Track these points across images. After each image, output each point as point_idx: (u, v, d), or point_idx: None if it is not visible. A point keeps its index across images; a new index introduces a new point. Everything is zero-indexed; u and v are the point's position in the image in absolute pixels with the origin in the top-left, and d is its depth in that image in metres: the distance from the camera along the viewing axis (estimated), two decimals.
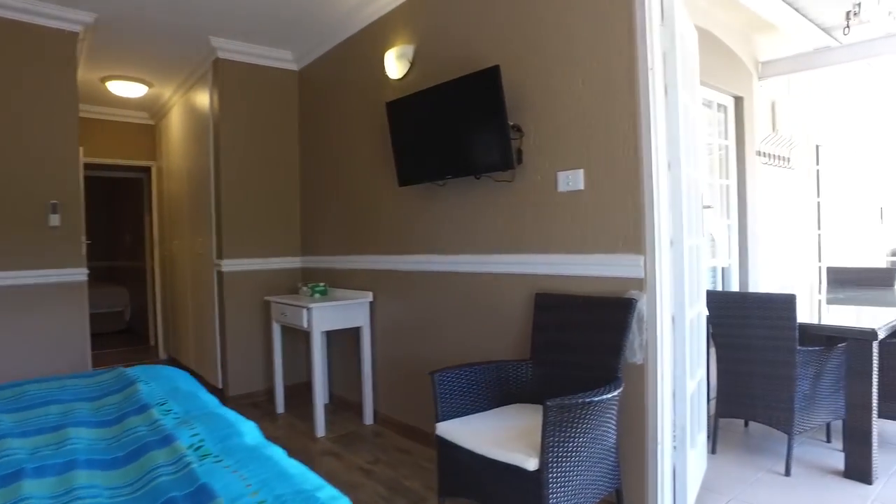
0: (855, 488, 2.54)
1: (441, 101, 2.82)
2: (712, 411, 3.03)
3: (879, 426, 2.66)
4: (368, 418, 3.65)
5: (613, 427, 1.98)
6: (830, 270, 4.64)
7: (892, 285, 4.30)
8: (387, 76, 3.38)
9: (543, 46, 2.49)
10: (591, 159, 2.31)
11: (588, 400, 1.74)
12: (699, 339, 2.54)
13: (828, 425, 3.10)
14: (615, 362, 2.10)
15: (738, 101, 4.19)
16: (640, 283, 2.14)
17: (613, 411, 1.95)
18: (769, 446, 3.04)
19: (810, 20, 3.93)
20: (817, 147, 5.57)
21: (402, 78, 3.29)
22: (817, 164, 5.48)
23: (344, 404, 4.03)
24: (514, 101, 2.57)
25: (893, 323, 2.77)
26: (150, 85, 4.87)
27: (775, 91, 4.68)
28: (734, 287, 4.14)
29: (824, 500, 2.45)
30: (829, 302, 4.19)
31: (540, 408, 1.76)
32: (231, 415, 1.47)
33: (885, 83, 5.48)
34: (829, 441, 3.10)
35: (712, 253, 4.01)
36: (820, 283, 5.17)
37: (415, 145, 3.07)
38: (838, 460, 2.77)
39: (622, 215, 2.19)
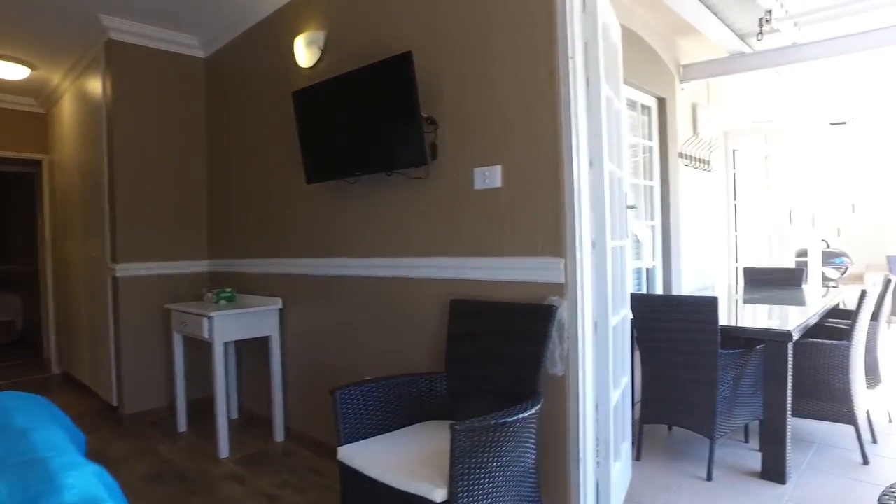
0: (770, 489, 2.54)
1: (350, 91, 2.60)
2: (637, 416, 2.97)
3: (793, 424, 2.67)
4: (279, 435, 3.36)
5: (532, 446, 1.82)
6: (747, 271, 4.76)
7: (801, 285, 4.45)
8: (297, 65, 3.11)
9: (460, 32, 2.32)
10: (510, 154, 2.16)
11: (502, 421, 1.57)
12: (624, 346, 2.45)
13: (746, 426, 3.11)
14: (534, 375, 1.95)
15: (662, 102, 4.21)
16: (560, 289, 2.00)
17: (532, 429, 1.80)
18: (692, 450, 3.01)
19: (727, 25, 3.99)
20: (734, 151, 5.76)
21: (313, 66, 3.03)
22: (734, 167, 5.66)
23: (254, 419, 3.71)
24: (428, 91, 2.38)
25: (806, 323, 2.81)
26: (33, 67, 4.34)
27: (696, 95, 4.76)
28: (658, 289, 4.16)
29: (742, 503, 2.42)
30: (746, 302, 4.28)
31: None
32: (59, 461, 1.17)
33: (792, 91, 5.74)
34: (746, 441, 3.12)
35: (637, 254, 4.00)
36: (737, 283, 5.33)
37: (323, 139, 2.83)
38: (756, 461, 2.77)
39: (542, 215, 2.05)
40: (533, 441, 1.82)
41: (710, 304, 2.63)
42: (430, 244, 2.47)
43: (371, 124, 2.54)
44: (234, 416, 3.83)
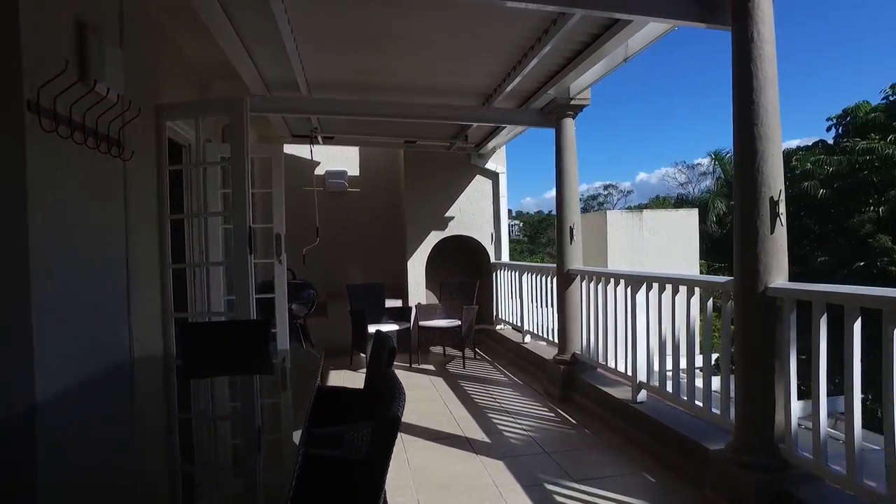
0: None
1: None
2: None
3: None
4: None
5: None
6: (185, 327, 2.95)
7: (267, 344, 2.95)
8: None
9: None
10: None
11: None
12: None
13: None
14: None
15: None
16: None
17: None
18: None
19: None
20: (172, 141, 3.90)
21: None
22: (177, 164, 3.78)
23: None
24: None
25: None
26: None
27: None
28: None
29: None
30: (191, 379, 2.47)
31: None
32: None
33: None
34: None
35: None
36: (178, 342, 3.43)
37: None
38: None
39: None
40: None
41: None
42: None
43: None
44: None
